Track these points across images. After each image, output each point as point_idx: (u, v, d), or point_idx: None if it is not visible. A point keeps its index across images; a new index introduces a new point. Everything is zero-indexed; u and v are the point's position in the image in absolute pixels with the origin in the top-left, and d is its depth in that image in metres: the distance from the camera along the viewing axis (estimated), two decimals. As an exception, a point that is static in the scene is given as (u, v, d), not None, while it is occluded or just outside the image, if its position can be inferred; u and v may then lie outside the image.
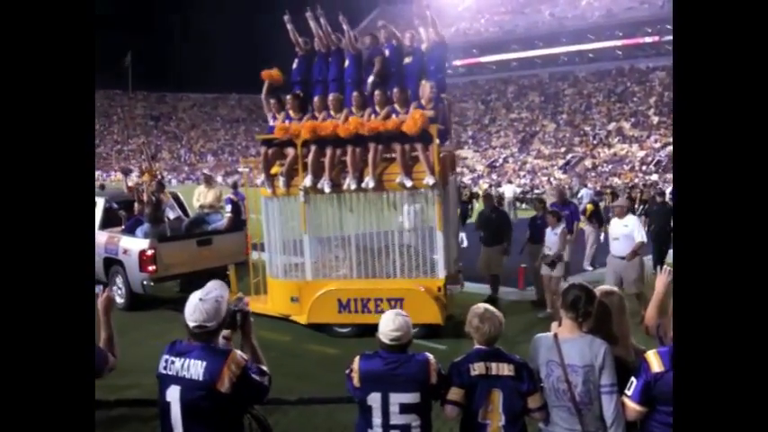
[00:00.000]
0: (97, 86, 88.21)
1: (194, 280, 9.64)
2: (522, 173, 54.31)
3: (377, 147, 7.87)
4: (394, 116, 7.84)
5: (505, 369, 3.17)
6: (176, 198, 11.72)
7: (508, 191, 28.22)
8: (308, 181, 8.08)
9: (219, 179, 45.91)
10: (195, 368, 2.72)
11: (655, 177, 41.74)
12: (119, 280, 9.84)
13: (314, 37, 8.77)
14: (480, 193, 37.24)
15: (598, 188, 34.35)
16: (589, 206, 13.84)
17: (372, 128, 7.77)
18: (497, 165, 58.94)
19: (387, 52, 8.60)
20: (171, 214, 10.62)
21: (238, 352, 2.82)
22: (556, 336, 3.23)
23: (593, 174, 49.61)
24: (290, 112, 8.42)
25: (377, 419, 3.10)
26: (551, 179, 49.91)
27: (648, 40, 64.18)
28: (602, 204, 19.56)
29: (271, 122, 8.57)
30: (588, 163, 53.45)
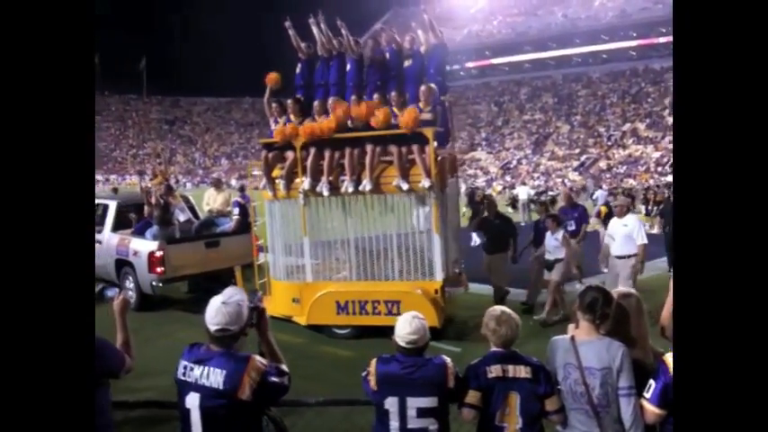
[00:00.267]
0: (112, 91, 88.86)
1: (202, 281, 9.92)
2: (535, 174, 54.15)
3: (374, 149, 7.84)
4: (392, 119, 7.85)
5: (522, 371, 3.15)
6: (187, 201, 11.81)
7: (522, 193, 28.06)
8: (306, 184, 8.12)
9: (234, 182, 46.19)
10: (215, 377, 2.70)
11: (670, 178, 41.45)
12: (129, 281, 9.99)
13: (316, 42, 8.83)
14: (493, 194, 37.28)
15: (612, 190, 34.09)
16: (603, 208, 13.73)
17: (360, 115, 7.81)
18: (511, 166, 58.78)
19: (387, 55, 8.64)
20: (181, 217, 10.68)
21: (258, 357, 2.80)
22: (573, 338, 3.20)
23: (607, 175, 49.34)
24: (291, 116, 8.45)
25: (394, 423, 3.08)
26: (565, 181, 49.69)
27: (663, 40, 63.57)
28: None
29: (273, 126, 8.63)
30: (603, 164, 53.19)
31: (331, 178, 8.05)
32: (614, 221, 8.56)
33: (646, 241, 8.28)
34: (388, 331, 8.24)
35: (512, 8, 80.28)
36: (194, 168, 79.03)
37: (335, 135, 7.97)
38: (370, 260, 8.08)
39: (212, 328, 2.78)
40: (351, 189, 7.92)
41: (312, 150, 8.10)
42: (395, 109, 7.91)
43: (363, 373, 3.22)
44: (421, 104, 7.90)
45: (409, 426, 3.07)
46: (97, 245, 10.60)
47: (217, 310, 2.78)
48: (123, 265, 10.13)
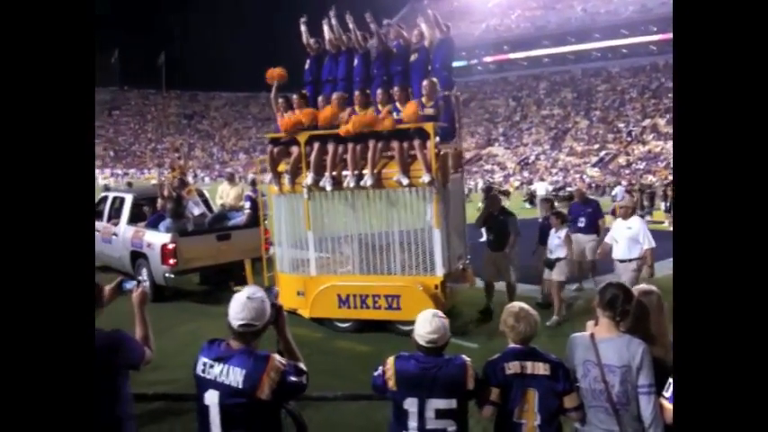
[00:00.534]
0: (131, 86, 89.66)
1: (213, 273, 10.27)
2: (554, 170, 53.81)
3: (376, 144, 7.85)
4: (395, 114, 7.87)
5: (541, 368, 3.12)
6: (201, 195, 11.99)
7: (540, 188, 27.91)
8: (309, 179, 8.18)
9: (251, 176, 46.56)
10: (234, 375, 2.70)
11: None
12: (144, 272, 10.17)
13: (325, 38, 8.91)
14: (510, 190, 37.12)
15: (627, 186, 33.76)
16: (617, 205, 13.56)
17: (366, 123, 7.82)
18: (529, 162, 58.47)
19: (394, 50, 8.68)
20: (196, 210, 10.83)
21: (277, 356, 2.80)
22: (592, 335, 3.18)
23: (627, 171, 48.90)
24: (297, 111, 8.51)
25: (412, 423, 3.05)
26: (584, 176, 49.35)
27: (684, 34, 62.65)
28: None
29: (279, 121, 8.71)
30: (622, 160, 52.71)
31: (334, 173, 8.11)
32: (618, 223, 8.20)
33: (653, 245, 7.87)
34: (388, 325, 7.92)
35: (530, 2, 79.73)
36: (212, 163, 79.53)
37: (338, 131, 8.04)
38: (373, 254, 8.11)
39: (236, 323, 2.78)
40: (352, 184, 7.98)
41: (316, 145, 8.17)
42: (397, 104, 7.95)
43: (377, 372, 3.19)
44: (423, 99, 7.91)
45: (428, 426, 3.04)
46: (113, 237, 10.99)
47: (243, 306, 2.77)
48: (138, 256, 10.38)
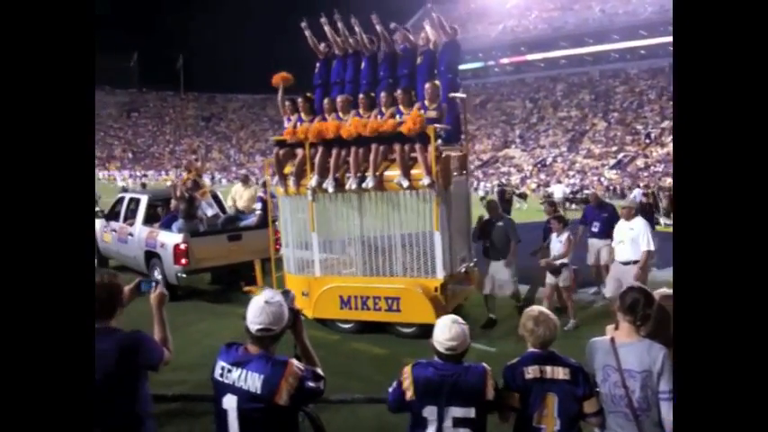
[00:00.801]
0: (150, 88, 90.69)
1: (224, 273, 10.55)
2: (571, 172, 53.42)
3: (378, 147, 7.99)
4: (398, 117, 7.94)
5: (560, 373, 3.10)
6: (215, 196, 12.25)
7: (557, 191, 27.78)
8: (313, 181, 8.34)
9: (262, 178, 46.71)
10: (253, 381, 2.71)
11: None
12: (157, 272, 10.43)
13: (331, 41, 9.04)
14: (527, 192, 36.93)
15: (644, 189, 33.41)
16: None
17: (372, 128, 7.92)
18: (546, 164, 58.12)
19: (400, 53, 8.80)
20: (209, 212, 11.12)
21: (295, 362, 2.81)
22: (612, 340, 3.15)
23: (645, 173, 48.42)
24: (302, 115, 8.70)
25: (430, 431, 3.04)
26: (602, 179, 48.95)
27: (703, 35, 61.94)
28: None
29: (285, 124, 8.89)
30: (640, 162, 52.20)
31: (337, 175, 8.24)
32: (621, 224, 8.09)
33: (651, 248, 7.72)
34: (388, 327, 7.98)
35: (548, 3, 79.27)
36: (229, 165, 79.95)
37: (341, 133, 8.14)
38: (376, 256, 8.24)
39: (254, 327, 2.78)
40: (354, 186, 8.09)
41: (320, 148, 8.31)
42: (401, 107, 8.02)
43: (392, 387, 3.15)
44: (426, 102, 7.98)
45: None
46: (129, 237, 11.33)
47: (261, 310, 2.77)
48: (152, 256, 10.62)
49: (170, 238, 10.21)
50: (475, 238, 8.96)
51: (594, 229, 9.84)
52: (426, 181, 7.66)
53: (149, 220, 11.33)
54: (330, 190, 8.22)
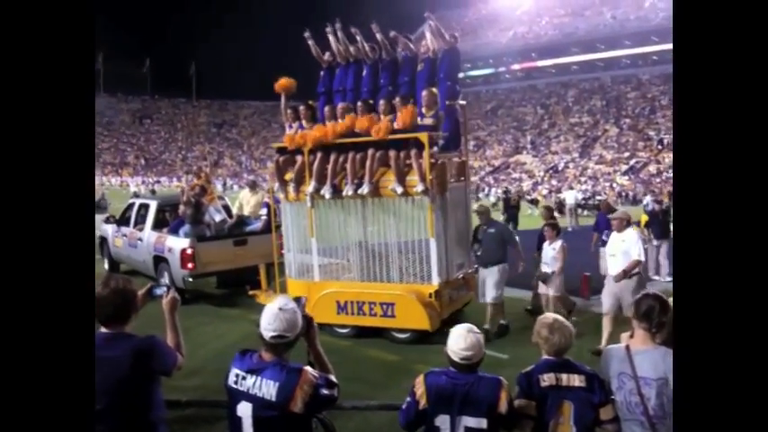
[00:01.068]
0: (162, 94, 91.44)
1: (230, 277, 10.75)
2: (582, 178, 53.21)
3: (374, 154, 8.07)
4: (394, 124, 8.02)
5: (576, 380, 3.07)
6: (224, 204, 12.49)
7: (569, 197, 27.59)
8: (311, 187, 8.48)
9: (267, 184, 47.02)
10: (268, 388, 2.70)
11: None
12: (165, 276, 10.58)
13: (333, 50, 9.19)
14: (539, 198, 36.79)
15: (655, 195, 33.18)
16: (643, 216, 13.13)
17: (360, 128, 8.09)
18: (558, 170, 57.93)
19: (401, 60, 8.92)
20: (217, 217, 11.27)
21: (310, 369, 2.80)
22: (628, 347, 3.12)
23: (657, 180, 48.13)
24: (303, 122, 8.88)
25: None
26: (614, 185, 48.73)
27: (716, 41, 61.60)
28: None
29: (287, 131, 9.07)
30: (653, 168, 51.91)
31: (335, 181, 8.36)
32: (613, 237, 7.81)
33: (642, 258, 7.47)
34: (383, 332, 8.02)
35: (559, 9, 79.19)
36: (240, 171, 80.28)
37: (339, 140, 8.31)
38: (373, 262, 8.34)
39: (268, 334, 2.77)
40: (350, 192, 8.20)
41: (319, 154, 8.44)
42: (398, 114, 8.08)
43: (405, 404, 3.11)
44: (423, 109, 8.06)
45: None
46: (138, 242, 11.56)
47: (274, 317, 2.77)
48: (160, 261, 10.81)
49: (177, 243, 10.41)
50: (471, 244, 8.90)
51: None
52: (420, 188, 7.75)
53: (158, 225, 11.58)
54: (327, 196, 8.36)
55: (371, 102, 8.51)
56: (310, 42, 9.32)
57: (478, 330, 3.13)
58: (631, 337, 3.20)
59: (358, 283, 8.39)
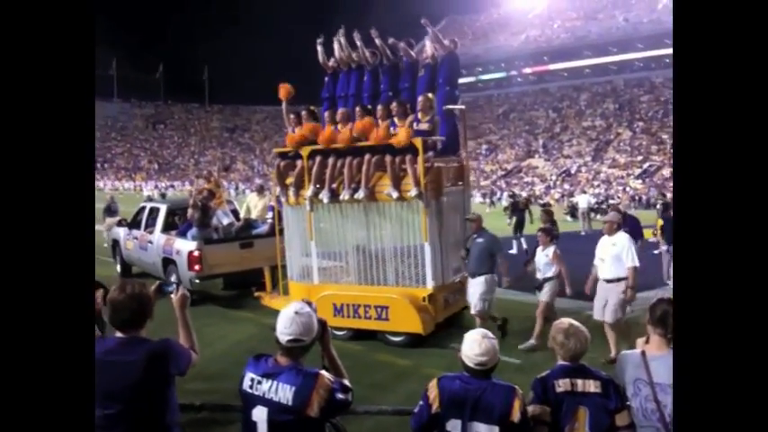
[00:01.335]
0: (175, 100, 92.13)
1: (236, 279, 10.96)
2: (595, 182, 52.94)
3: (370, 159, 8.20)
4: (392, 129, 8.14)
5: (592, 386, 3.04)
6: (231, 206, 12.85)
7: (582, 201, 27.41)
8: (310, 191, 8.61)
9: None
10: (284, 392, 2.69)
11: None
12: (173, 277, 10.79)
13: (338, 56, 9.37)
14: (551, 202, 36.64)
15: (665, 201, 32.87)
16: (658, 221, 12.96)
17: (359, 129, 8.20)
18: (570, 174, 57.68)
19: (402, 66, 9.07)
20: (225, 220, 11.54)
21: (325, 374, 2.79)
22: (643, 353, 3.08)
23: (671, 183, 47.80)
24: (304, 126, 8.91)
25: None
26: (627, 189, 48.44)
27: (730, 43, 61.15)
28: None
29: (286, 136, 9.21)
30: (666, 172, 51.55)
31: (334, 186, 8.50)
32: (603, 240, 7.61)
33: (636, 263, 7.26)
34: (378, 335, 8.12)
35: (571, 13, 79.03)
36: (253, 175, 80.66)
37: (336, 145, 8.46)
38: (370, 265, 8.46)
39: (284, 338, 2.76)
40: (347, 197, 8.32)
41: (317, 159, 8.58)
42: (396, 119, 8.23)
43: (417, 408, 3.07)
44: (419, 114, 8.19)
45: None
46: (149, 244, 11.84)
47: (291, 320, 2.76)
48: (169, 262, 11.10)
49: (185, 246, 10.67)
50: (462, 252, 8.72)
51: None
52: (414, 192, 7.84)
53: (168, 228, 11.84)
54: (325, 200, 8.49)
55: (369, 107, 8.62)
56: (319, 48, 9.49)
57: (493, 336, 3.09)
58: (647, 342, 3.16)
59: (354, 286, 8.52)
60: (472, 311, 8.17)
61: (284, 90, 9.54)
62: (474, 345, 3.01)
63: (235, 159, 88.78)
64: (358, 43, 9.10)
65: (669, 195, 34.71)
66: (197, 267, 10.35)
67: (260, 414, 2.74)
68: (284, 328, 2.76)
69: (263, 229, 11.50)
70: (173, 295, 3.27)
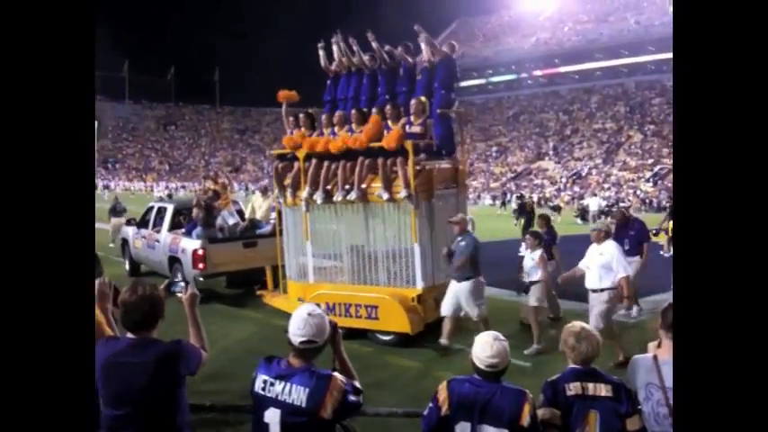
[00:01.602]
0: (186, 101, 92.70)
1: (239, 278, 11.24)
2: (606, 185, 52.73)
3: (363, 161, 8.35)
4: (385, 131, 8.25)
5: (603, 390, 3.01)
6: (236, 206, 13.06)
7: (593, 204, 27.36)
8: (306, 192, 8.79)
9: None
10: (298, 394, 2.68)
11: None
12: (179, 275, 10.90)
13: (339, 60, 9.52)
14: (561, 205, 36.51)
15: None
16: (669, 224, 12.90)
17: (358, 143, 8.32)
18: (581, 176, 57.48)
19: (401, 71, 9.20)
20: (230, 220, 11.76)
21: (338, 376, 2.78)
22: (655, 357, 3.05)
23: (682, 186, 47.54)
24: (303, 129, 9.22)
25: None
26: (637, 192, 48.20)
27: (743, 46, 60.80)
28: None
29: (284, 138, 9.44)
30: (677, 175, 51.30)
31: (328, 187, 8.66)
32: (592, 248, 7.38)
33: (629, 273, 7.10)
34: (368, 334, 8.20)
35: (582, 15, 78.78)
36: (262, 177, 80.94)
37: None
38: (363, 265, 8.61)
39: (297, 339, 2.75)
40: (340, 198, 8.48)
41: (313, 161, 8.78)
42: (389, 122, 8.37)
43: (427, 410, 3.05)
44: (412, 117, 8.31)
45: None
46: (156, 243, 12.11)
47: (304, 322, 2.75)
48: (174, 261, 11.35)
49: (189, 244, 10.90)
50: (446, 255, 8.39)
51: (626, 247, 9.42)
52: (403, 194, 7.95)
53: (175, 227, 12.09)
54: (319, 201, 8.65)
55: (365, 110, 8.77)
56: (321, 53, 9.69)
57: (504, 338, 3.07)
58: (659, 346, 3.12)
59: (346, 286, 8.67)
60: (474, 319, 7.75)
61: (283, 93, 9.82)
62: (485, 347, 2.98)
63: (245, 160, 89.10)
64: (354, 48, 9.27)
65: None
66: (201, 266, 10.57)
67: (272, 416, 2.72)
68: (297, 330, 2.75)
69: (267, 229, 11.69)
70: (181, 294, 3.27)
